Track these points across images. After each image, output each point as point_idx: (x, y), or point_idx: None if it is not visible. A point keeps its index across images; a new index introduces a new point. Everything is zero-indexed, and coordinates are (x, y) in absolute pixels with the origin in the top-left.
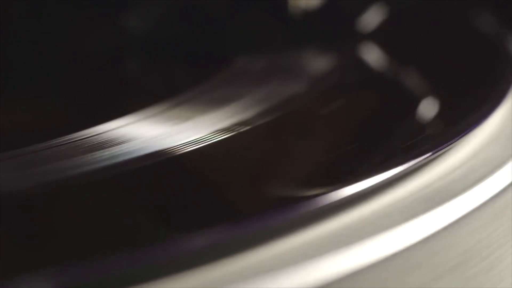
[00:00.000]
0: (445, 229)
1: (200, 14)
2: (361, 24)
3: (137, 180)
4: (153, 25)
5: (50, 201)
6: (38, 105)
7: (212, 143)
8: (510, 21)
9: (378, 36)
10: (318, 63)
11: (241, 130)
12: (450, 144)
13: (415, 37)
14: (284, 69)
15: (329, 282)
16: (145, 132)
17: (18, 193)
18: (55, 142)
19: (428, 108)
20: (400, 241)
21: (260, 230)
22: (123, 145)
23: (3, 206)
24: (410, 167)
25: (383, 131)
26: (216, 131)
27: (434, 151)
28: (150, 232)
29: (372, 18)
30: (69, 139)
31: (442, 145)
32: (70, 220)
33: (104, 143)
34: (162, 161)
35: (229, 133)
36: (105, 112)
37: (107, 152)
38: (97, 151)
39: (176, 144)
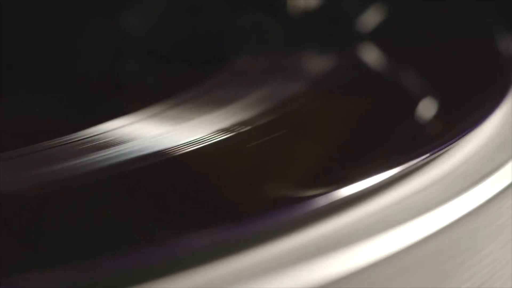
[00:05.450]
0: (445, 229)
1: (200, 14)
2: (360, 24)
3: (137, 180)
4: (153, 25)
5: (50, 201)
6: (38, 105)
7: (212, 143)
8: (510, 21)
9: (377, 36)
10: (318, 63)
11: (241, 130)
12: (450, 144)
13: (415, 37)
14: (284, 69)
15: (329, 282)
16: (145, 132)
17: (18, 193)
18: (55, 142)
19: (427, 108)
20: (400, 242)
21: (260, 230)
22: (123, 145)
23: (3, 206)
24: (410, 167)
25: (382, 131)
26: (216, 131)
27: (434, 151)
28: (150, 232)
29: (371, 18)
30: (69, 139)
31: (442, 145)
32: (70, 220)
33: (104, 143)
34: (162, 161)
35: (229, 133)
36: (105, 112)
37: (107, 152)
38: (97, 151)
39: (176, 144)
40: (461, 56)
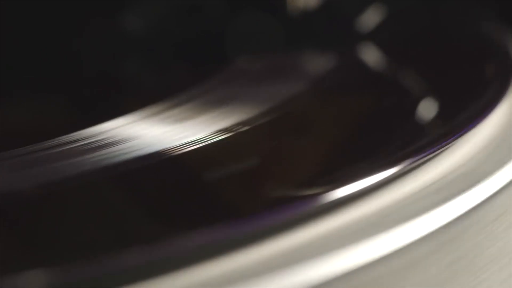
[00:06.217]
0: (445, 228)
1: (200, 14)
2: (360, 24)
3: (137, 180)
4: (153, 25)
5: (50, 201)
6: (38, 105)
7: (212, 143)
8: (510, 21)
9: (377, 36)
10: (318, 63)
11: (241, 130)
12: (450, 144)
13: (415, 37)
14: (284, 69)
15: (328, 282)
16: (145, 132)
17: (18, 193)
18: (55, 142)
19: (427, 108)
20: (399, 241)
21: (259, 230)
22: (123, 145)
23: (3, 206)
24: (409, 166)
25: (382, 131)
26: (216, 131)
27: (434, 151)
28: (149, 232)
29: (371, 18)
30: (69, 139)
31: (442, 145)
32: (70, 219)
33: (104, 143)
34: (162, 161)
35: (229, 133)
36: (105, 112)
37: (107, 152)
38: (97, 151)
39: (176, 144)
40: (461, 56)
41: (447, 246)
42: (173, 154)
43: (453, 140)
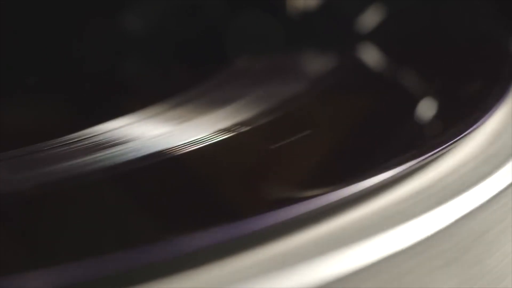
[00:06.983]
0: (445, 229)
1: (200, 14)
2: (360, 24)
3: (137, 180)
4: (153, 25)
5: (50, 202)
6: (37, 105)
7: (212, 143)
8: (510, 21)
9: (377, 36)
10: (318, 63)
11: (241, 130)
12: (450, 144)
13: (415, 37)
14: (284, 69)
15: (329, 282)
16: (145, 132)
17: (18, 193)
18: (55, 142)
19: (427, 108)
20: (400, 241)
21: (260, 230)
22: (123, 145)
23: (3, 206)
24: (410, 167)
25: (382, 131)
26: (216, 131)
27: (434, 151)
28: (149, 232)
29: (371, 18)
30: (69, 139)
31: (442, 145)
32: (69, 220)
33: (104, 143)
34: (162, 161)
35: (229, 133)
36: (105, 112)
37: (107, 152)
38: (97, 151)
39: (176, 144)
40: (461, 56)
41: (447, 247)
42: (173, 154)
43: (454, 141)
